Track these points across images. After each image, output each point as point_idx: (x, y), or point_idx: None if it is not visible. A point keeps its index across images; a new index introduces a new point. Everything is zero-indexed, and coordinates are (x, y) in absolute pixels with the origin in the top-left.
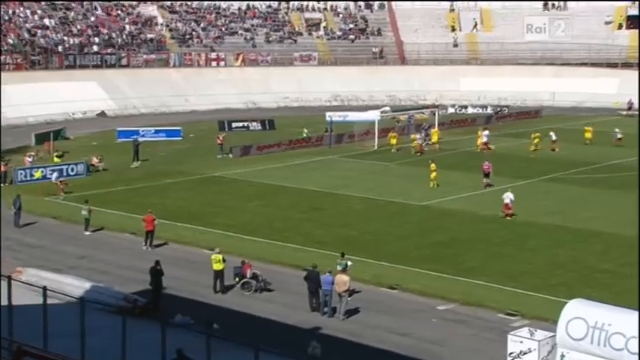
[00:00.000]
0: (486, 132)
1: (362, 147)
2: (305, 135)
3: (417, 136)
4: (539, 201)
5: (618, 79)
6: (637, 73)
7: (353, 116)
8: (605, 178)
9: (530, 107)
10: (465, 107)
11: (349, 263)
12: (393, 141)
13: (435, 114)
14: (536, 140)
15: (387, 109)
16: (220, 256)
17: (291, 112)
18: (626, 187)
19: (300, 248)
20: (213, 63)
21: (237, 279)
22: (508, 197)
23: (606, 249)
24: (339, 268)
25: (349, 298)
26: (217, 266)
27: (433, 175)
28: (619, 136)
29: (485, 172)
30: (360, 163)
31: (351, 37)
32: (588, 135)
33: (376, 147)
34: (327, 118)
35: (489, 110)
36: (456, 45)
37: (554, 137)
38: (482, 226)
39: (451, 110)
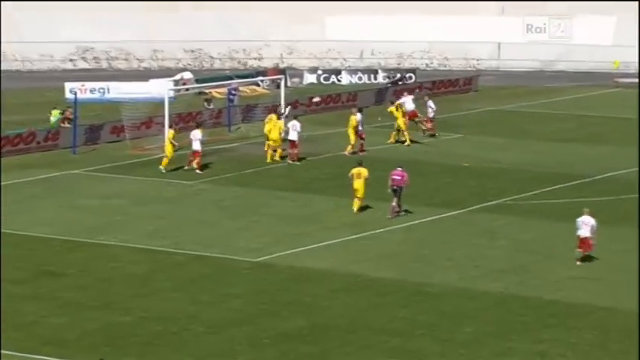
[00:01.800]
0: (359, 115)
1: (138, 150)
2: (54, 119)
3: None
4: (479, 249)
5: (615, 17)
6: None
7: (120, 90)
8: (593, 203)
9: (456, 72)
10: (337, 73)
11: None
12: (169, 150)
13: (279, 86)
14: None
15: (188, 76)
16: None
17: None
18: (631, 220)
19: (15, 356)
20: None
21: None
22: (586, 224)
23: (603, 339)
24: None
25: None
26: None
27: (358, 185)
28: (431, 114)
29: (393, 187)
30: (135, 183)
31: None
32: (400, 122)
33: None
34: (69, 95)
35: (381, 78)
36: None
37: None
38: (375, 299)
39: (310, 79)
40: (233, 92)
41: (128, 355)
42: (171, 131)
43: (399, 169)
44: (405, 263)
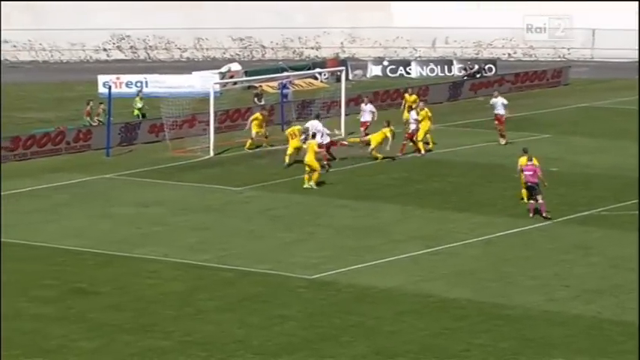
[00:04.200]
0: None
1: (179, 152)
2: (138, 112)
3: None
4: (569, 266)
5: None
6: None
7: (159, 83)
8: None
9: (542, 63)
10: (406, 64)
11: None
12: (315, 164)
13: (339, 80)
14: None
15: (236, 67)
16: None
17: (12, 74)
18: None
19: None
20: None
21: None
22: None
23: None
24: None
25: None
26: None
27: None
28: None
29: (527, 184)
30: (176, 189)
31: None
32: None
33: (212, 153)
34: (102, 89)
35: (457, 70)
36: None
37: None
38: (448, 323)
39: (375, 71)
40: (285, 86)
41: None
42: (313, 142)
43: (530, 162)
44: (484, 282)
